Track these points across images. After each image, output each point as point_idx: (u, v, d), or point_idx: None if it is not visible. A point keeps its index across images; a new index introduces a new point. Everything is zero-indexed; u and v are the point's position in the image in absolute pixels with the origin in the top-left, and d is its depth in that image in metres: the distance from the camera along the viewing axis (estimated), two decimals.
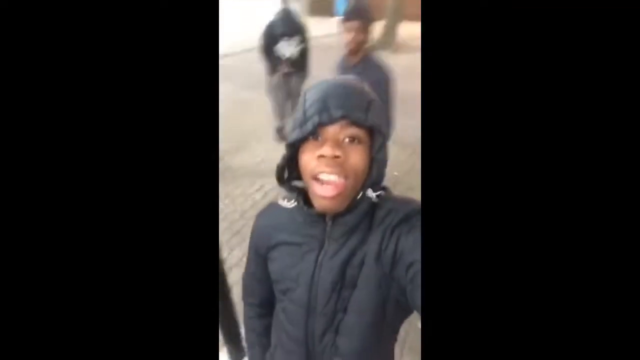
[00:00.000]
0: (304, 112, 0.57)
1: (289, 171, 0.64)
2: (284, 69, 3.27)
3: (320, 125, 0.55)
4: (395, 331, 0.68)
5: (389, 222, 0.58)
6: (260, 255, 0.72)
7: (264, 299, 0.77)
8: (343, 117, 0.54)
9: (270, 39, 3.24)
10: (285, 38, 3.20)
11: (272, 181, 0.78)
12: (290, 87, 3.35)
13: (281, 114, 3.50)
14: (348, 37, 1.79)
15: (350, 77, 0.62)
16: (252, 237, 0.75)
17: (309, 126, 0.56)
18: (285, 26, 3.19)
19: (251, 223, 0.76)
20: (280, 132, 3.60)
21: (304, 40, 3.29)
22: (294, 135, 0.58)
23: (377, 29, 7.79)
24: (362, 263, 0.59)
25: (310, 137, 0.57)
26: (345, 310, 0.61)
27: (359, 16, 1.78)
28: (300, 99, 0.60)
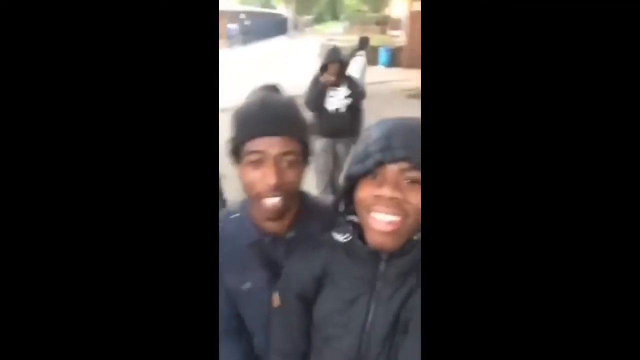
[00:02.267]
0: (366, 148, 0.57)
1: (345, 204, 0.63)
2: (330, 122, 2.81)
3: (382, 163, 0.55)
4: None
5: None
6: (302, 301, 0.66)
7: (301, 354, 0.70)
8: (406, 159, 0.54)
9: (316, 87, 2.82)
10: (331, 88, 2.81)
11: None
12: (336, 151, 2.91)
13: (324, 182, 2.98)
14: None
15: (416, 118, 0.61)
16: (291, 282, 0.69)
17: (370, 163, 0.55)
18: (333, 69, 2.78)
19: None
20: None
21: (354, 93, 2.83)
22: (353, 170, 0.58)
23: None
24: (414, 307, 0.57)
25: (370, 174, 0.56)
26: (397, 358, 0.58)
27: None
28: (363, 134, 0.61)
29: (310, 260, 0.67)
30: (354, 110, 2.87)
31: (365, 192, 0.57)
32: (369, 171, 0.56)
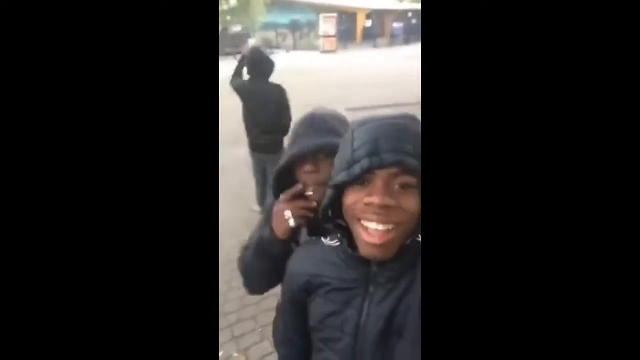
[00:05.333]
0: (352, 153, 0.53)
1: (333, 209, 0.60)
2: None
3: (370, 169, 0.51)
4: None
5: None
6: (297, 303, 0.67)
7: (304, 349, 0.70)
8: (396, 163, 0.50)
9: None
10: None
11: None
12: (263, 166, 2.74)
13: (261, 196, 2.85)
14: None
15: (403, 116, 0.55)
16: (286, 283, 0.70)
17: (357, 169, 0.52)
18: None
19: None
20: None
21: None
22: (340, 178, 0.54)
23: None
24: (407, 310, 0.56)
25: (357, 180, 0.53)
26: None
27: None
28: (347, 137, 0.56)
29: (303, 265, 0.66)
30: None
31: (353, 199, 0.54)
32: (357, 177, 0.52)
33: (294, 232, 0.76)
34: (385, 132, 0.52)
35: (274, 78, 2.59)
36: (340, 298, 0.60)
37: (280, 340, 0.75)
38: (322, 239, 0.66)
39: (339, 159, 0.56)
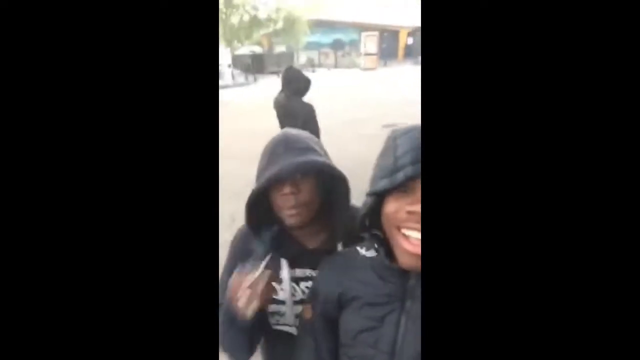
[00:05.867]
0: (395, 160, 0.52)
1: (370, 219, 0.58)
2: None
3: (414, 177, 0.49)
4: None
5: None
6: (330, 318, 0.63)
7: None
8: None
9: None
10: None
11: None
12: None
13: None
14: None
15: None
16: (317, 297, 0.65)
17: (400, 177, 0.50)
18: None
19: None
20: None
21: None
22: (381, 185, 0.53)
23: None
24: None
25: (399, 188, 0.52)
26: None
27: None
28: (389, 144, 0.55)
29: (336, 275, 0.64)
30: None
31: (394, 204, 0.53)
32: (398, 186, 0.51)
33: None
34: None
35: (312, 95, 2.77)
36: (375, 313, 0.57)
37: None
38: (358, 248, 0.64)
39: (381, 168, 0.55)
